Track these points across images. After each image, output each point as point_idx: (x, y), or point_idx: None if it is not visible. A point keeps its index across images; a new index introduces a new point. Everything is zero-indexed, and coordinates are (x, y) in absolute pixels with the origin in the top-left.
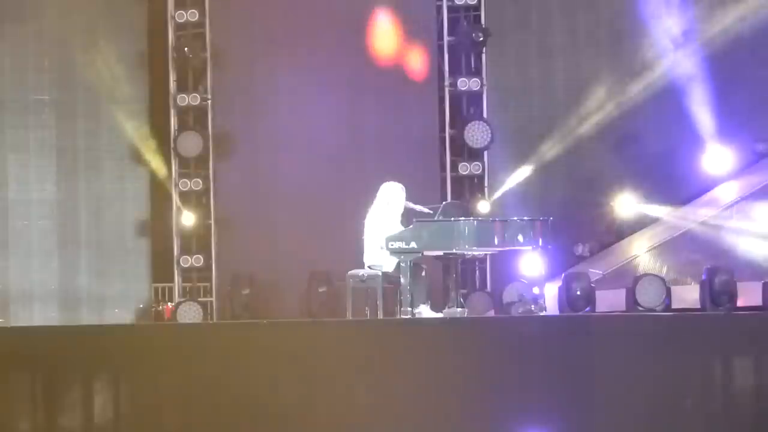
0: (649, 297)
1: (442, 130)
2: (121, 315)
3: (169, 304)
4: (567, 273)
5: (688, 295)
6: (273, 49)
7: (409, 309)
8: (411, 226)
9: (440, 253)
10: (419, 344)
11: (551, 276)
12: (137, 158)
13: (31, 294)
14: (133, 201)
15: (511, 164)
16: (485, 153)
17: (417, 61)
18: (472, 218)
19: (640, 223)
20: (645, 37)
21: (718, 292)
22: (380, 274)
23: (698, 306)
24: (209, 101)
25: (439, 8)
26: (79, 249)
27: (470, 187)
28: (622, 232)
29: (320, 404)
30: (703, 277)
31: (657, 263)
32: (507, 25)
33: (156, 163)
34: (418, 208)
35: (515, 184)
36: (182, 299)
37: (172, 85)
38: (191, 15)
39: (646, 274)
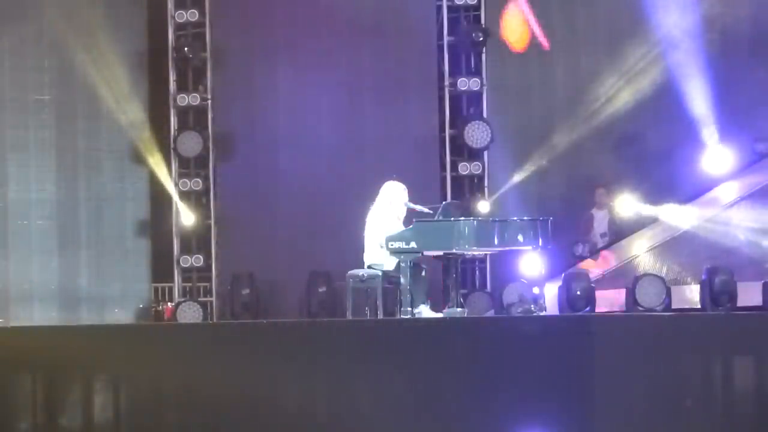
0: (649, 297)
1: (442, 130)
2: (121, 315)
3: (169, 304)
4: (567, 273)
5: (688, 295)
6: (273, 49)
7: (409, 309)
8: (411, 226)
9: (440, 253)
10: (419, 344)
11: (551, 276)
12: (137, 158)
13: (31, 294)
14: (133, 201)
15: (511, 164)
16: (485, 153)
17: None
18: (472, 218)
19: (640, 223)
20: (645, 37)
21: (718, 292)
22: (380, 274)
23: (698, 306)
24: (209, 101)
25: (439, 8)
26: (79, 249)
27: (470, 187)
28: (621, 232)
29: (320, 404)
30: (703, 277)
31: (657, 263)
32: None
33: (156, 163)
34: (418, 208)
35: (515, 184)
36: (182, 299)
37: (172, 85)
38: (191, 15)
39: (646, 274)
